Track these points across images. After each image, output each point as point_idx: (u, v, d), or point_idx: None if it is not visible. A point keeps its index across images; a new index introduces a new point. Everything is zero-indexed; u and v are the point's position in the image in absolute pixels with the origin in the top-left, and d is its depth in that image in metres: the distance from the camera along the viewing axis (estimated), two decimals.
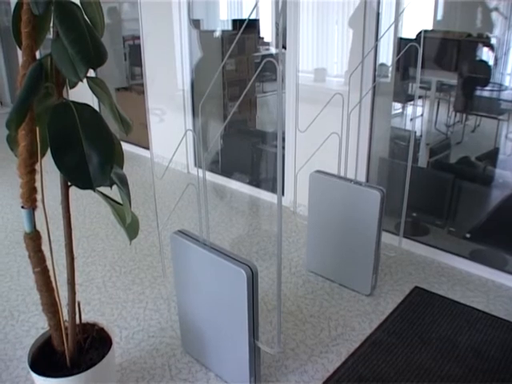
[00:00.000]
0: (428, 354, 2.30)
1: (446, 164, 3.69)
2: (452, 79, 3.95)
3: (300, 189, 3.18)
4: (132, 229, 1.71)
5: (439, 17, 3.70)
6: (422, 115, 4.22)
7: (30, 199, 1.56)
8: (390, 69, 3.34)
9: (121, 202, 1.63)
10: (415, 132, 3.74)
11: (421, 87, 3.96)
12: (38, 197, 1.58)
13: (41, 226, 1.64)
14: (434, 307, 2.64)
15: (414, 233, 3.30)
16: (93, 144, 1.37)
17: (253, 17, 4.91)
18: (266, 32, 5.35)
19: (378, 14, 3.00)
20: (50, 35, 1.46)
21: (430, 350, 2.32)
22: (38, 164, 1.54)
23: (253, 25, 5.07)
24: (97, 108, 4.40)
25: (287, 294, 2.80)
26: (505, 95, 3.77)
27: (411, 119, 4.04)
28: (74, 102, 1.41)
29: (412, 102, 3.98)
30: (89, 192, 1.43)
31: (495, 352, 2.30)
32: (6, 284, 2.92)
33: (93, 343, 1.90)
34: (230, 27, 5.10)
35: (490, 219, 3.21)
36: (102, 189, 1.48)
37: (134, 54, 5.73)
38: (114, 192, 1.62)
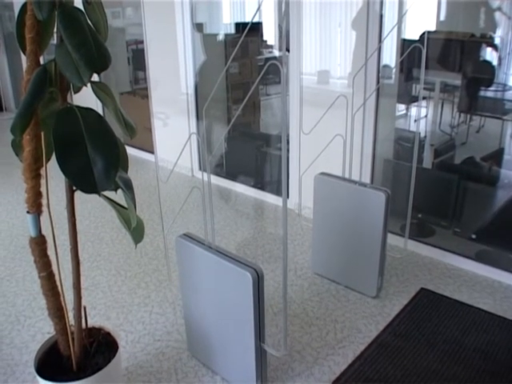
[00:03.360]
0: (435, 355, 2.29)
1: (450, 165, 3.68)
2: (456, 80, 3.94)
3: (305, 191, 3.18)
4: (137, 233, 1.71)
5: (442, 17, 3.69)
6: (426, 116, 4.21)
7: (36, 204, 1.56)
8: (394, 70, 3.33)
9: (126, 205, 1.63)
10: (420, 133, 3.74)
11: (425, 88, 3.96)
12: (44, 201, 1.58)
13: (46, 231, 1.65)
14: (441, 309, 2.63)
15: (420, 234, 3.29)
16: (97, 148, 1.37)
17: (256, 20, 4.91)
18: (269, 35, 5.35)
19: (380, 16, 2.99)
20: (54, 40, 1.46)
21: (437, 352, 2.31)
22: (43, 169, 1.54)
23: (256, 28, 5.08)
24: (101, 112, 4.41)
25: (293, 296, 2.79)
26: (509, 95, 3.76)
27: (415, 120, 4.03)
28: (78, 107, 1.41)
29: (416, 103, 3.98)
30: (94, 196, 1.43)
31: (502, 353, 2.29)
32: (11, 289, 2.93)
33: (99, 347, 1.90)
34: (233, 30, 5.11)
35: (495, 220, 3.20)
36: (106, 193, 1.48)
37: (138, 58, 5.74)
38: (118, 196, 1.62)
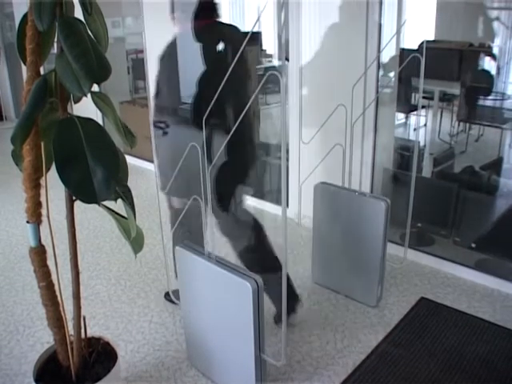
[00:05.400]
0: (435, 365, 2.29)
1: (450, 174, 3.69)
2: (455, 89, 3.96)
3: (304, 200, 3.18)
4: (137, 242, 1.71)
5: (441, 27, 3.71)
6: (425, 125, 4.22)
7: (35, 214, 1.57)
8: (393, 79, 3.35)
9: (125, 215, 1.63)
10: (419, 142, 3.75)
11: (424, 97, 3.97)
12: (43, 211, 1.58)
13: (46, 241, 1.65)
14: (441, 318, 2.63)
15: (420, 243, 3.29)
16: (97, 158, 1.37)
17: (255, 29, 4.93)
18: (269, 44, 5.37)
19: (379, 26, 3.01)
20: (54, 50, 1.47)
21: (437, 362, 2.31)
22: (43, 178, 1.55)
23: (255, 37, 5.09)
24: (101, 122, 4.41)
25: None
26: (508, 104, 3.77)
27: (415, 129, 4.04)
28: (78, 117, 1.42)
29: (415, 112, 3.99)
30: (93, 206, 1.43)
31: (503, 362, 2.28)
32: (11, 298, 2.92)
33: (98, 357, 1.90)
34: None
35: (495, 229, 3.20)
36: (106, 202, 1.48)
37: (138, 67, 5.76)
38: (118, 206, 1.62)
